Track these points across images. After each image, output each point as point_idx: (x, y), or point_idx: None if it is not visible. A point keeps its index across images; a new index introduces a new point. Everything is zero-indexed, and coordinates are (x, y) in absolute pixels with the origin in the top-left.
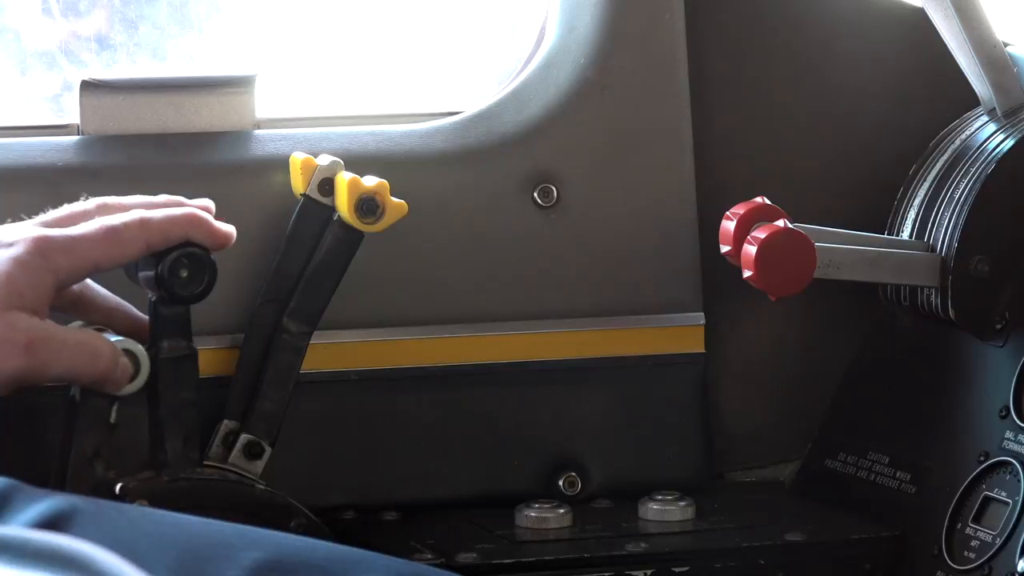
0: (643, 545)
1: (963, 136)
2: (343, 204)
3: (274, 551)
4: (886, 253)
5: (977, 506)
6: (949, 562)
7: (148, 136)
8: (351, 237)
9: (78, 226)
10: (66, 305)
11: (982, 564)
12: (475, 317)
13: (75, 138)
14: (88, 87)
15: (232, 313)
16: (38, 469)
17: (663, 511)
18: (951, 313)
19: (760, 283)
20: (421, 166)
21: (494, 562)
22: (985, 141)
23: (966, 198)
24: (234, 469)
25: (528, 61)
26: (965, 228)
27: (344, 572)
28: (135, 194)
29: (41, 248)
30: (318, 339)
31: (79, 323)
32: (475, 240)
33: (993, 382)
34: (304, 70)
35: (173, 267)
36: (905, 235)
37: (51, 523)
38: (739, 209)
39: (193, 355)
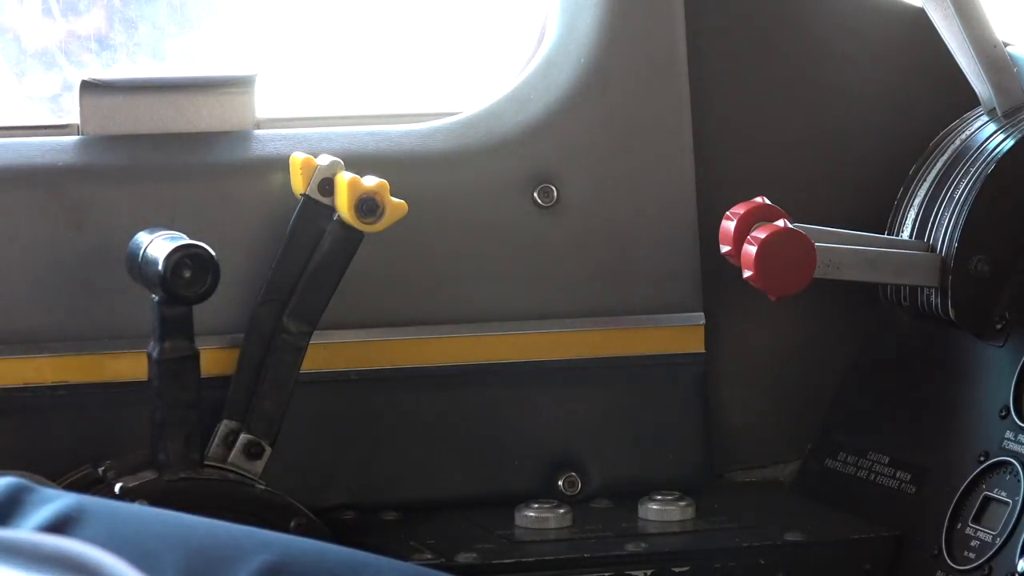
0: (643, 545)
1: (963, 136)
2: (343, 204)
3: (283, 554)
4: (886, 253)
5: (977, 506)
6: (949, 562)
7: (148, 136)
8: (351, 237)
9: None
10: None
11: (982, 564)
12: (475, 317)
13: (75, 138)
14: (88, 87)
15: (232, 313)
16: (38, 468)
17: (663, 511)
18: (951, 313)
19: (760, 283)
20: (421, 166)
21: (494, 562)
22: (985, 141)
23: (966, 198)
24: (234, 469)
25: (528, 61)
26: (965, 228)
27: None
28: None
29: None
30: (318, 339)
31: None
32: (475, 240)
33: (993, 382)
34: (304, 70)
35: (176, 267)
36: (905, 235)
37: (61, 524)
38: (739, 209)
39: (195, 356)
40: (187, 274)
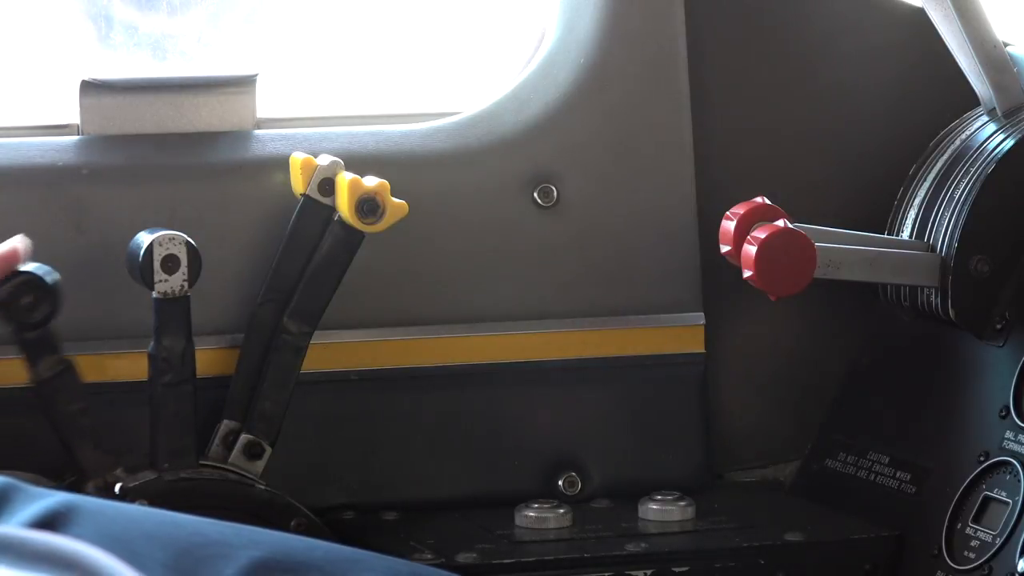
0: (643, 545)
1: (963, 136)
2: (343, 204)
3: (272, 550)
4: (886, 253)
5: (977, 506)
6: (949, 562)
7: (148, 136)
8: (351, 237)
9: None
10: None
11: (982, 564)
12: (475, 317)
13: (75, 138)
14: (88, 87)
15: (232, 313)
16: (39, 468)
17: (663, 511)
18: (951, 313)
19: (760, 283)
20: (421, 166)
21: (494, 562)
22: (985, 141)
23: (966, 198)
24: (234, 469)
25: (528, 61)
26: (965, 228)
27: (342, 572)
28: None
29: None
30: (318, 339)
31: None
32: (475, 240)
33: (993, 382)
34: (304, 70)
35: (14, 294)
36: (905, 235)
37: (50, 521)
38: (739, 209)
39: (70, 366)
40: (28, 300)
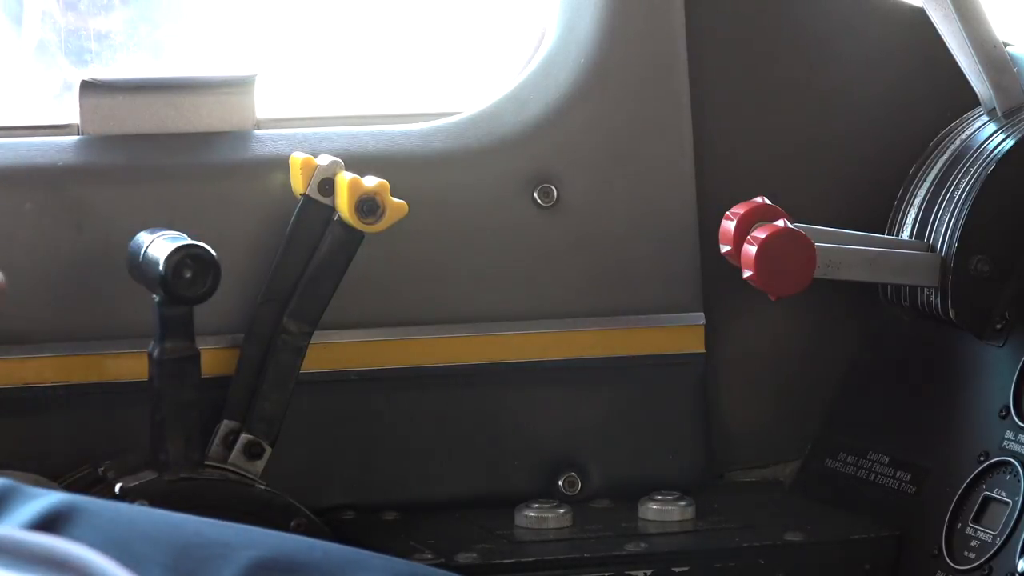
0: (643, 545)
1: (963, 136)
2: (343, 204)
3: (271, 550)
4: (886, 253)
5: (977, 506)
6: (949, 562)
7: (148, 136)
8: (351, 237)
9: None
10: None
11: (982, 564)
12: (475, 317)
13: (75, 138)
14: (88, 87)
15: (232, 313)
16: (38, 468)
17: (663, 511)
18: (951, 313)
19: (760, 283)
20: (421, 166)
21: (494, 562)
22: (985, 141)
23: (966, 198)
24: (234, 469)
25: (528, 61)
26: (965, 228)
27: (341, 572)
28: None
29: None
30: (318, 339)
31: None
32: (475, 240)
33: (993, 382)
34: (304, 70)
35: (177, 267)
36: (905, 235)
37: (48, 522)
38: (739, 209)
39: (195, 356)
40: (188, 274)
